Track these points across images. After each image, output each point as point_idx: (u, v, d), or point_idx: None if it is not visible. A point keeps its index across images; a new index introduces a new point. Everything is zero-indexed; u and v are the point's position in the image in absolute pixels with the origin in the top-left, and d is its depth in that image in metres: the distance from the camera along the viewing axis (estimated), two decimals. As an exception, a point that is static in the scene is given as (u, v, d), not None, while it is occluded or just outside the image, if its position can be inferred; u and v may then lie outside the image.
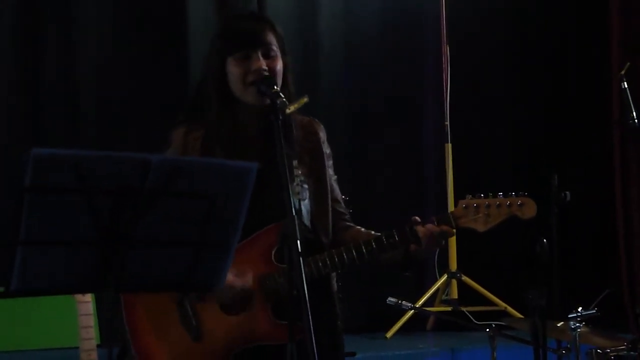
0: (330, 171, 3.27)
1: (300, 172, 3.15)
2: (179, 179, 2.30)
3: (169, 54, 6.00)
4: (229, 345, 3.08)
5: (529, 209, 3.09)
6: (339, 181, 3.34)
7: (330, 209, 3.22)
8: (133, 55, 5.97)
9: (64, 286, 2.30)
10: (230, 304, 3.08)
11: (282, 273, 3.05)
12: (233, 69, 3.11)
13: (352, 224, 3.29)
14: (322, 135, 3.28)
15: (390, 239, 3.07)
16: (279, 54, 3.13)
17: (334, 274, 3.22)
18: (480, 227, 3.10)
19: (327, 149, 3.28)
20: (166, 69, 5.95)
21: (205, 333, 3.08)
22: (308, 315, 2.56)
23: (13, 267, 2.20)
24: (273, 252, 3.08)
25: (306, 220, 3.13)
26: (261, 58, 3.09)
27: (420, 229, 3.06)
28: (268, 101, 2.96)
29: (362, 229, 3.25)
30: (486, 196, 3.10)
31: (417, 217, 3.10)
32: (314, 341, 2.55)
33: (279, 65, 3.12)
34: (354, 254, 3.07)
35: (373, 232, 3.18)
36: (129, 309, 3.10)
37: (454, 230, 3.10)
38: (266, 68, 3.08)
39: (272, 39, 3.12)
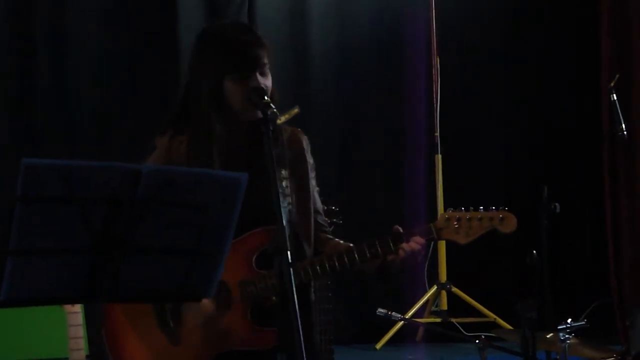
0: (313, 182, 3.29)
1: (287, 182, 3.17)
2: (170, 189, 2.30)
3: (160, 59, 6.02)
4: (207, 349, 3.08)
5: (509, 223, 3.16)
6: (330, 190, 3.35)
7: (312, 218, 3.24)
8: (125, 59, 5.99)
9: (55, 296, 2.29)
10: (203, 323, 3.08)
11: (261, 279, 3.08)
12: (232, 87, 3.12)
13: (331, 237, 3.31)
14: (306, 145, 3.29)
15: (372, 249, 3.10)
16: (269, 70, 3.16)
17: (312, 286, 3.23)
18: (462, 240, 3.17)
19: (310, 159, 3.29)
20: (157, 73, 5.98)
21: (183, 336, 3.09)
22: (298, 323, 2.56)
23: (3, 277, 2.19)
24: (254, 258, 3.10)
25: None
26: (259, 77, 3.11)
27: (403, 244, 3.09)
28: (259, 113, 2.97)
29: (342, 242, 3.27)
30: (467, 209, 3.15)
31: (399, 227, 3.13)
32: (303, 348, 2.55)
33: (270, 81, 3.15)
34: (336, 262, 3.09)
35: (352, 245, 3.19)
36: (107, 311, 3.09)
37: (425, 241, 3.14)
38: (263, 87, 3.10)
39: (265, 56, 3.15)
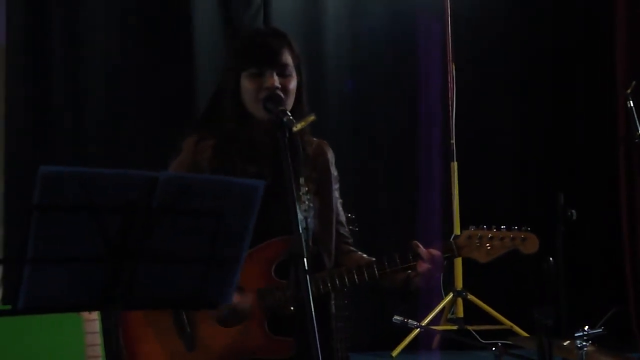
0: (336, 194, 3.29)
1: (307, 190, 3.17)
2: (186, 196, 2.31)
3: (175, 63, 6.04)
4: (223, 357, 3.09)
5: (531, 245, 3.17)
6: (344, 197, 3.35)
7: (334, 230, 3.24)
8: (140, 64, 6.01)
9: (71, 303, 2.30)
10: (226, 316, 3.08)
11: (281, 288, 3.07)
12: (246, 84, 3.13)
13: (354, 249, 3.30)
14: (331, 157, 3.30)
15: (391, 264, 3.09)
16: (294, 73, 3.15)
17: (332, 297, 3.23)
18: (482, 258, 3.18)
19: (334, 172, 3.30)
20: (172, 78, 5.99)
21: (199, 343, 3.09)
22: (315, 333, 2.55)
23: (20, 284, 2.20)
24: (273, 267, 3.09)
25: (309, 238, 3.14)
26: (275, 76, 3.11)
27: (423, 252, 3.08)
28: (272, 116, 2.98)
29: (365, 255, 3.26)
30: (489, 228, 3.13)
31: (417, 243, 3.12)
32: (319, 353, 2.54)
33: (293, 85, 3.14)
34: (355, 275, 3.09)
35: (372, 259, 3.18)
36: (124, 315, 3.10)
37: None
38: (279, 86, 3.09)
39: (288, 58, 3.14)
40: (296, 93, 3.16)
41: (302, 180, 3.13)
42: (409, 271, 3.11)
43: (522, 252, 3.17)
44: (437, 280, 5.76)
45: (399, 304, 3.20)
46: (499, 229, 3.15)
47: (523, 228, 3.17)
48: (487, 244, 3.14)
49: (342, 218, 3.31)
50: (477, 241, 3.14)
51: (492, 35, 6.71)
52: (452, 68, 6.27)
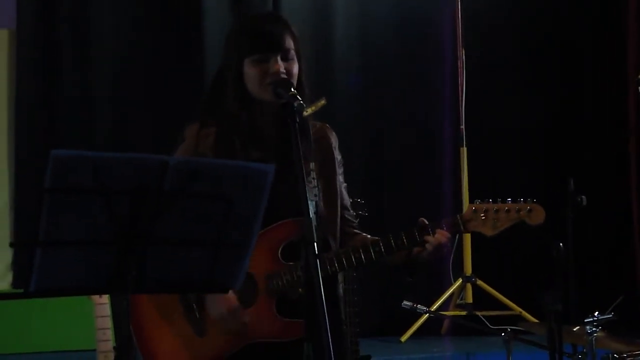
0: (340, 178, 3.29)
1: (314, 174, 3.17)
2: (197, 181, 2.31)
3: (184, 54, 6.03)
4: (231, 341, 3.10)
5: (537, 215, 3.13)
6: (354, 184, 3.35)
7: (339, 214, 3.24)
8: (149, 56, 6.00)
9: (82, 287, 2.31)
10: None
11: (288, 271, 3.08)
12: (250, 70, 3.13)
13: (359, 231, 3.30)
14: (334, 141, 3.29)
15: (397, 241, 3.09)
16: (295, 57, 3.15)
17: (340, 281, 3.23)
18: (489, 232, 3.15)
19: (338, 155, 3.29)
20: (182, 69, 5.99)
21: (208, 328, 3.10)
22: (325, 315, 2.56)
23: (32, 267, 2.21)
24: (280, 250, 3.10)
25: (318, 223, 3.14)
26: (279, 61, 3.11)
27: (429, 236, 3.09)
28: (277, 98, 2.98)
29: (369, 236, 3.27)
30: (495, 201, 3.13)
31: (424, 219, 3.12)
32: (330, 340, 2.55)
33: (296, 68, 3.14)
34: (361, 254, 3.09)
35: (378, 238, 3.19)
36: (134, 301, 3.11)
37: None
38: (284, 71, 3.10)
39: (290, 42, 3.14)
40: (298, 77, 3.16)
41: (312, 165, 3.13)
42: (416, 248, 3.11)
43: (528, 224, 3.15)
44: (447, 254, 5.76)
45: (406, 280, 3.19)
46: (504, 201, 3.14)
47: (528, 200, 3.15)
48: (493, 217, 3.12)
49: (347, 202, 3.31)
50: (482, 215, 3.13)
51: (502, 21, 6.69)
52: (462, 54, 6.25)
